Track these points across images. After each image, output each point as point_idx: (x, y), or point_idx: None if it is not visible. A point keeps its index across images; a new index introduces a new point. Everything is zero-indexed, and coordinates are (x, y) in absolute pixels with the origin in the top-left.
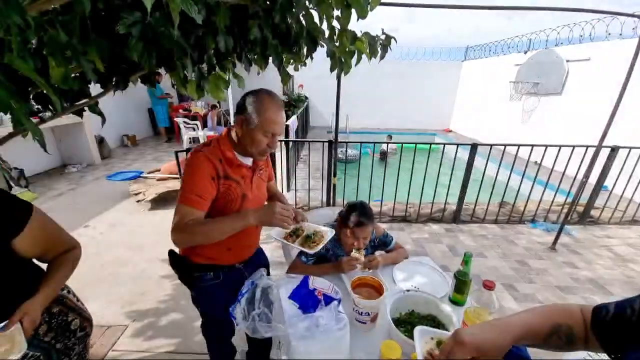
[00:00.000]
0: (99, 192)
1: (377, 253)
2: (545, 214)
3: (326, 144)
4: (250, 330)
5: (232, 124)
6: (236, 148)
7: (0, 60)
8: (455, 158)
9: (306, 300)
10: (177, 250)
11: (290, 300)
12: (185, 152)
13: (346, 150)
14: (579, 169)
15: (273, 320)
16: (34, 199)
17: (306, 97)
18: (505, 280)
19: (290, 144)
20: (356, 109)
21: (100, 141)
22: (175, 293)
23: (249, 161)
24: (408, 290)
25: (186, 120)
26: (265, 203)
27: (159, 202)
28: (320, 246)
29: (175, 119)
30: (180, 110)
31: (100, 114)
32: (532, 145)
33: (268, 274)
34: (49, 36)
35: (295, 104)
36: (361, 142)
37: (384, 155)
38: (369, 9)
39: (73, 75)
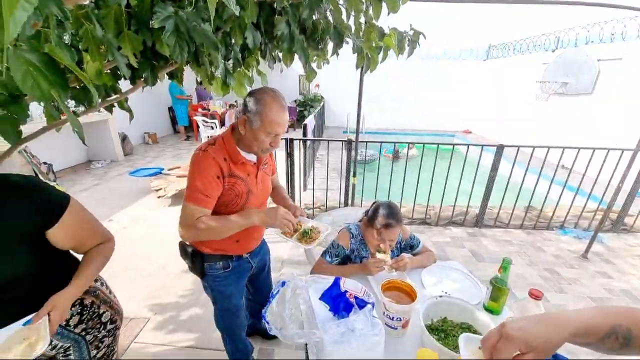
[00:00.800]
0: (121, 187)
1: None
2: (575, 221)
3: (345, 144)
4: (283, 337)
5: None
6: (240, 145)
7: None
8: (479, 159)
9: (337, 302)
10: (186, 242)
11: (321, 302)
12: None
13: (366, 151)
14: (613, 174)
15: (304, 322)
16: None
17: (322, 97)
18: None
19: (308, 143)
20: (372, 109)
21: (124, 138)
22: (194, 287)
23: (253, 157)
24: (440, 296)
25: (205, 119)
26: (272, 205)
27: (179, 198)
28: (316, 242)
29: (194, 118)
30: (199, 109)
31: (129, 110)
32: (563, 148)
33: (270, 267)
34: (84, 30)
35: (311, 103)
36: (381, 142)
37: (396, 155)
38: (400, 2)
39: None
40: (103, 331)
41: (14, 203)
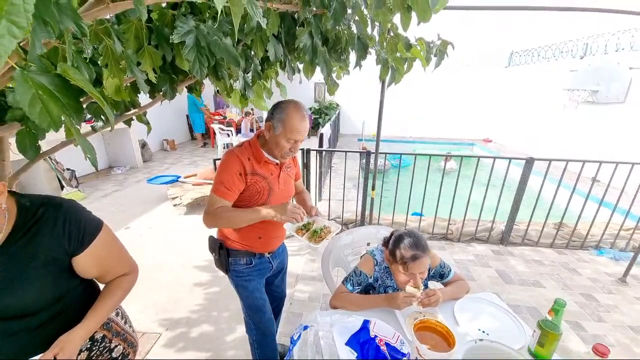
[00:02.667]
0: (139, 194)
1: (432, 285)
2: (612, 240)
3: (363, 155)
4: None
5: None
6: (264, 149)
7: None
8: (507, 172)
9: (366, 349)
10: (215, 236)
11: (348, 347)
12: None
13: (376, 159)
14: None
15: None
16: (82, 199)
17: (337, 105)
18: (570, 316)
19: (324, 153)
20: (387, 117)
21: (143, 145)
22: (206, 303)
23: (276, 159)
24: (481, 340)
25: (221, 126)
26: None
27: (194, 207)
28: (324, 241)
29: (211, 125)
30: (216, 117)
31: (147, 123)
32: (600, 162)
33: (286, 271)
34: (104, 46)
35: (326, 111)
36: (401, 154)
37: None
38: (432, 12)
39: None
40: None
41: (50, 227)
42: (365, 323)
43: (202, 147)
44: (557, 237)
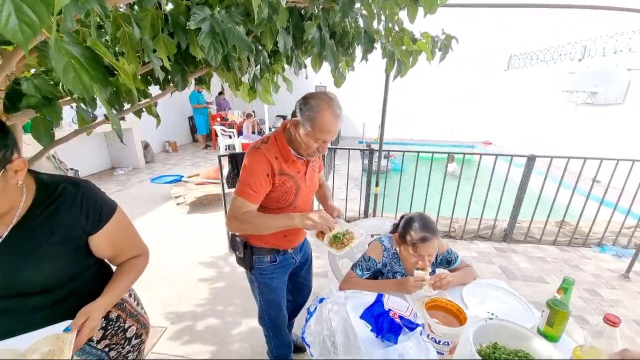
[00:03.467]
0: (142, 194)
1: (439, 272)
2: (614, 237)
3: (366, 153)
4: (323, 357)
5: (269, 130)
6: (290, 145)
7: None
8: (508, 171)
9: (381, 322)
10: (237, 234)
11: (362, 321)
12: (227, 157)
13: (387, 160)
14: None
15: (343, 344)
16: None
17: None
18: (575, 311)
19: (326, 151)
20: (389, 120)
21: (146, 146)
22: (211, 297)
23: (303, 157)
24: (491, 318)
25: (223, 128)
26: (316, 209)
27: (197, 205)
28: (347, 249)
29: (213, 127)
30: (218, 119)
31: (157, 116)
32: (601, 159)
33: (312, 261)
34: (122, 32)
35: None
36: (404, 151)
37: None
38: (438, 3)
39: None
40: (127, 346)
41: (68, 204)
42: (380, 296)
43: (204, 149)
44: (559, 235)
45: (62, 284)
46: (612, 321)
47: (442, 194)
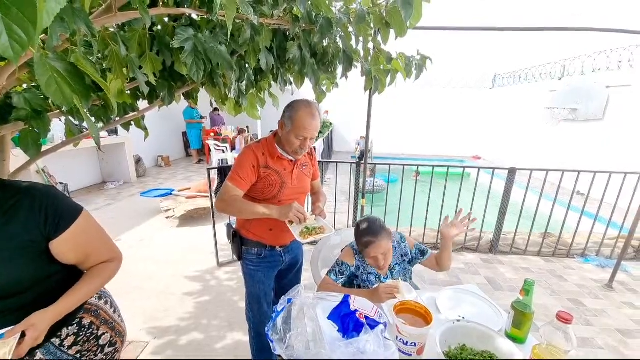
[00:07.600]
0: (132, 208)
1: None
2: (596, 248)
3: (354, 166)
4: (288, 356)
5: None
6: (279, 145)
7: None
8: (491, 183)
9: (347, 321)
10: (234, 225)
11: (329, 321)
12: (216, 170)
13: (374, 180)
14: (632, 199)
15: (311, 342)
16: None
17: (330, 123)
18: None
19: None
20: (380, 135)
21: (138, 161)
22: (196, 311)
23: (290, 156)
24: (458, 320)
25: (217, 143)
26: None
27: (187, 219)
28: (310, 239)
29: (206, 142)
30: (212, 134)
31: (145, 129)
32: (579, 172)
33: (301, 267)
34: (110, 50)
35: (320, 129)
36: (390, 164)
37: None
38: (407, 25)
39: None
40: (100, 354)
41: (27, 207)
42: (346, 297)
43: (197, 163)
44: (543, 246)
45: (22, 290)
46: (565, 318)
47: (427, 207)
